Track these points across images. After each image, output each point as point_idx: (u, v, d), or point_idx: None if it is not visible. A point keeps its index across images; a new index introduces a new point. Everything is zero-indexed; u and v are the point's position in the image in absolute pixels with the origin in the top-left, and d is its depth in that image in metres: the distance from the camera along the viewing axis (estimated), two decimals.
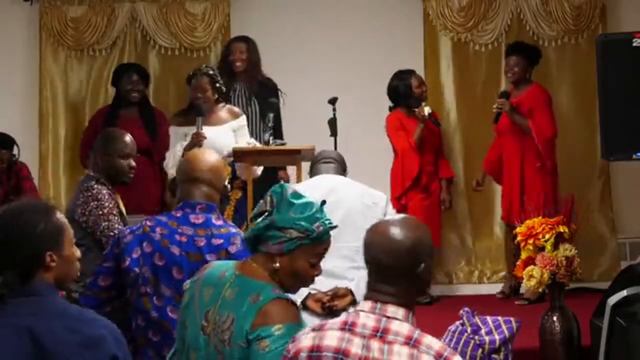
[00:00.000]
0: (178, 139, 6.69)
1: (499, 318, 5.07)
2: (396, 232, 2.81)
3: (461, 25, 8.19)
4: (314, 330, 2.76)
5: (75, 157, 7.98)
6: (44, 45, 8.12)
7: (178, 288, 3.63)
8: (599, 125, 6.71)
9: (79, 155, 7.66)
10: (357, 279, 4.73)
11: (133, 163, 4.89)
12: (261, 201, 3.15)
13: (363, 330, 2.74)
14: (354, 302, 4.70)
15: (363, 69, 8.05)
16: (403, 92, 7.65)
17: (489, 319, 5.06)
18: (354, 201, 4.80)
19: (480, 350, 4.88)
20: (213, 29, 8.20)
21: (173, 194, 3.98)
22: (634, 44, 6.06)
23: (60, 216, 2.98)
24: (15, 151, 7.15)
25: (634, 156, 6.14)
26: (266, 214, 3.08)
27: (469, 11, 8.19)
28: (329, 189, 4.81)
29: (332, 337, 2.73)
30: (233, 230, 3.80)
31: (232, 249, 3.72)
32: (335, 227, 3.17)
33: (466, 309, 5.07)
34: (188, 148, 6.54)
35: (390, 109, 7.73)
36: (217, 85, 6.72)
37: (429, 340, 2.75)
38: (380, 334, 2.74)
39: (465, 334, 4.95)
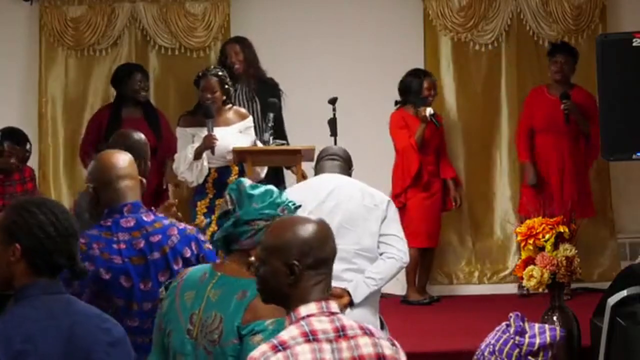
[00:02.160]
0: (186, 140, 6.66)
1: (546, 325, 5.11)
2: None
3: (461, 25, 8.18)
4: (278, 350, 2.66)
5: (75, 158, 7.99)
6: (43, 45, 8.12)
7: (130, 295, 3.63)
8: (599, 125, 6.71)
9: (80, 155, 7.65)
10: (355, 281, 4.73)
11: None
12: (222, 202, 3.18)
13: (327, 336, 2.70)
14: (351, 303, 4.70)
15: (363, 69, 8.05)
16: (415, 89, 7.66)
17: (536, 325, 5.12)
18: (354, 203, 4.79)
19: (517, 350, 4.92)
20: (213, 29, 8.19)
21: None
22: (634, 44, 6.06)
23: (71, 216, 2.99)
24: (28, 147, 7.14)
25: (634, 156, 6.14)
26: (229, 212, 3.12)
27: (469, 11, 8.19)
28: (329, 191, 4.80)
29: (304, 353, 2.66)
30: (166, 222, 3.76)
31: (173, 241, 3.69)
32: (299, 206, 3.21)
33: (517, 312, 5.13)
34: (199, 151, 6.53)
35: (397, 103, 7.74)
36: (226, 86, 6.72)
37: (371, 327, 2.80)
38: (342, 332, 2.73)
39: (507, 334, 5.00)
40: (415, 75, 7.71)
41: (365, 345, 2.74)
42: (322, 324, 2.72)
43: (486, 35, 8.21)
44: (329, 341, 2.70)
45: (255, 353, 2.66)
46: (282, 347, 2.65)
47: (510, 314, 5.12)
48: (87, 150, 7.40)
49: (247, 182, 3.17)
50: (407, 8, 8.24)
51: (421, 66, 8.08)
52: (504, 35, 8.20)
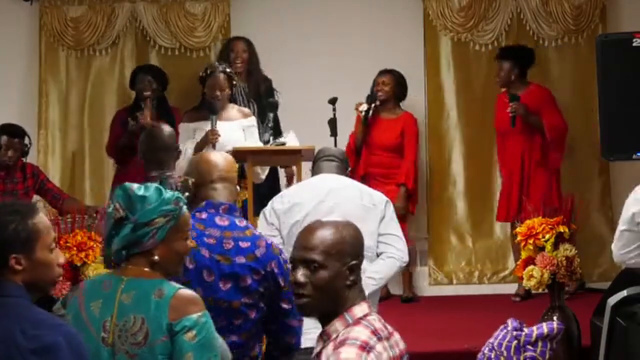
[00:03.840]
0: (187, 135, 6.65)
1: (543, 323, 5.13)
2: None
3: (461, 26, 8.18)
4: (368, 350, 2.70)
5: (75, 157, 8.00)
6: (43, 45, 8.12)
7: (207, 290, 3.66)
8: (599, 125, 6.72)
9: (107, 153, 7.71)
10: None
11: None
12: (109, 211, 3.14)
13: (384, 334, 2.77)
14: None
15: (363, 69, 8.03)
16: (372, 87, 7.73)
17: (534, 327, 5.14)
18: (352, 203, 4.77)
19: (515, 342, 4.93)
20: (213, 29, 8.19)
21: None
22: (634, 44, 6.07)
23: (40, 219, 2.94)
24: (27, 141, 7.16)
25: (634, 156, 6.14)
26: (123, 219, 3.11)
27: (469, 11, 8.19)
28: (327, 191, 4.79)
29: (381, 351, 2.72)
30: (256, 232, 3.83)
31: (259, 252, 3.74)
32: (189, 196, 3.26)
33: (514, 318, 5.13)
34: (200, 145, 6.53)
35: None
36: (234, 83, 6.73)
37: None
38: (389, 329, 2.80)
39: (506, 330, 5.03)
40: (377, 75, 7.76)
41: (400, 340, 2.83)
42: (378, 323, 2.78)
43: (486, 35, 8.20)
44: (387, 339, 2.77)
45: (350, 356, 2.67)
46: (368, 347, 2.70)
47: (508, 319, 5.12)
48: (111, 149, 7.56)
49: (132, 185, 3.17)
50: (407, 8, 8.24)
51: (421, 66, 8.11)
52: (504, 35, 8.20)
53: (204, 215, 3.74)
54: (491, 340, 5.02)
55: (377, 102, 7.66)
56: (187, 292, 3.11)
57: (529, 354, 4.99)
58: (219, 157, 3.91)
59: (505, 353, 4.92)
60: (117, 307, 3.07)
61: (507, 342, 4.92)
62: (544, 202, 6.91)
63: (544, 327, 5.03)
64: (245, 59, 7.52)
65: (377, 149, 7.70)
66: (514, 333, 4.97)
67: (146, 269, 3.12)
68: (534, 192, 7.41)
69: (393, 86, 7.76)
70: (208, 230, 3.71)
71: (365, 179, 7.46)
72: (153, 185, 3.18)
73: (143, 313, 3.04)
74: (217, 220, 3.74)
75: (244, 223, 3.80)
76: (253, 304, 3.69)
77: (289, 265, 3.74)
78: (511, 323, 5.02)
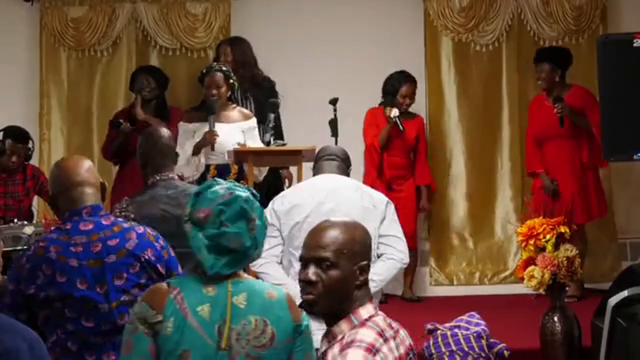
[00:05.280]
0: (187, 136, 6.65)
1: (462, 317, 5.10)
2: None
3: (462, 26, 8.19)
4: (374, 352, 2.70)
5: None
6: (44, 46, 8.13)
7: (86, 295, 3.61)
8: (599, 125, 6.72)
9: (104, 156, 7.71)
10: None
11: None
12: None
13: (389, 334, 2.77)
14: None
15: (364, 70, 8.05)
16: (391, 92, 7.71)
17: (452, 322, 5.10)
18: (352, 204, 4.76)
19: (483, 340, 4.92)
20: (213, 30, 8.20)
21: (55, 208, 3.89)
22: (635, 45, 6.06)
23: None
24: (30, 145, 7.18)
25: (634, 156, 6.13)
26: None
27: (470, 12, 8.19)
28: (327, 192, 4.78)
29: (387, 353, 2.73)
30: (125, 225, 3.75)
31: (130, 245, 3.68)
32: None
33: (430, 324, 5.08)
34: (199, 146, 6.53)
35: (380, 104, 7.77)
36: (231, 80, 6.72)
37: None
38: (395, 327, 2.81)
39: (459, 334, 4.97)
40: (397, 78, 7.74)
41: (406, 337, 2.84)
42: (383, 324, 2.79)
43: (487, 35, 8.21)
44: (393, 338, 2.78)
45: (357, 358, 2.68)
46: (374, 350, 2.71)
47: (426, 325, 5.09)
48: (106, 151, 7.59)
49: (239, 193, 3.05)
50: (408, 8, 8.24)
51: (422, 67, 8.10)
52: (505, 35, 8.21)
53: (68, 226, 3.68)
54: (452, 348, 4.96)
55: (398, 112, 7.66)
56: (287, 291, 3.10)
57: (502, 345, 4.99)
58: (71, 162, 3.82)
59: (483, 354, 4.91)
60: (231, 310, 3.00)
61: (476, 342, 4.90)
62: (598, 203, 7.03)
63: (479, 320, 5.02)
64: (229, 62, 7.51)
65: (397, 150, 7.71)
66: (472, 330, 4.93)
67: (240, 270, 3.08)
68: (590, 194, 7.44)
69: (414, 98, 7.80)
70: (73, 239, 3.64)
71: (387, 183, 7.58)
72: (229, 183, 3.10)
73: (263, 315, 2.99)
74: (81, 226, 3.67)
75: (110, 220, 3.73)
76: (133, 300, 3.52)
77: (171, 251, 3.72)
78: (442, 326, 4.98)
